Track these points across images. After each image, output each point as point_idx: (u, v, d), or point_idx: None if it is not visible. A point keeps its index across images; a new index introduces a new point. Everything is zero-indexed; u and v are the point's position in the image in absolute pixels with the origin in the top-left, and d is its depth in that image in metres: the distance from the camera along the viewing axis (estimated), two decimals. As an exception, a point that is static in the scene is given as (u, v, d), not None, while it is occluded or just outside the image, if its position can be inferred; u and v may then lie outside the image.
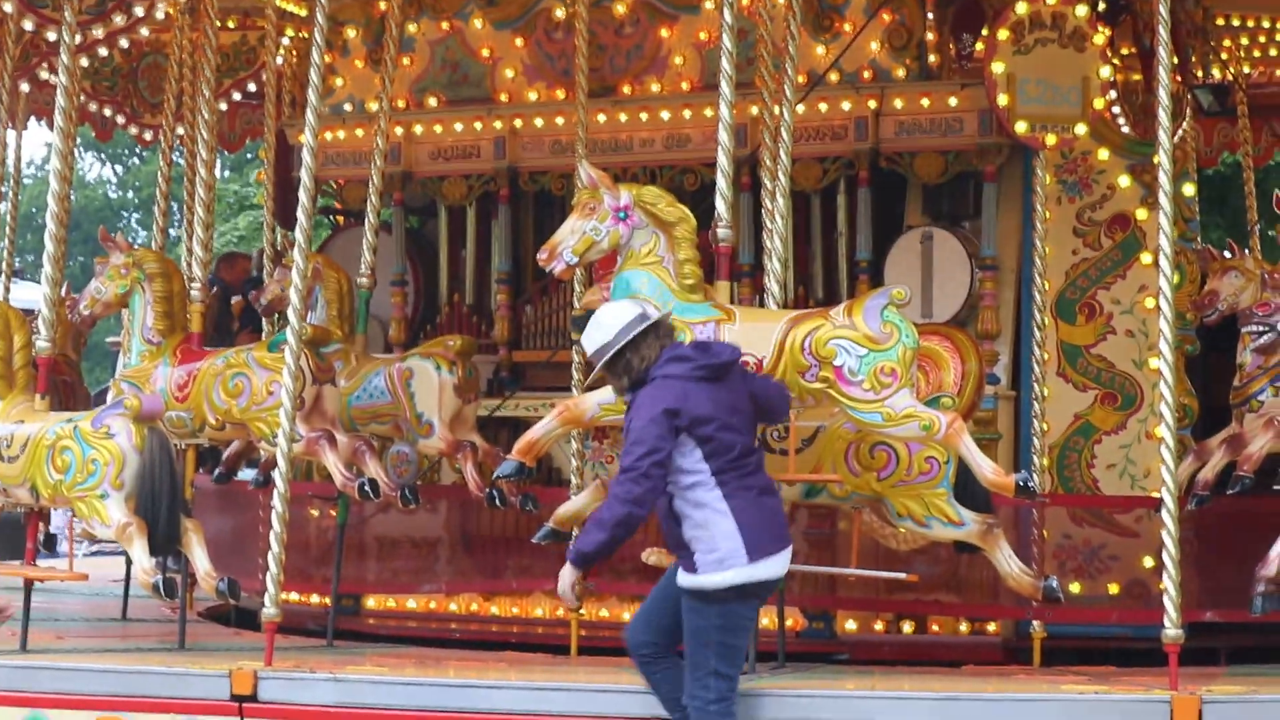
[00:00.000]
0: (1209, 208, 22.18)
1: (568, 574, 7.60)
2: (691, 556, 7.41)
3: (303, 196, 9.72)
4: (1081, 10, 10.98)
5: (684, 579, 7.44)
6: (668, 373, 7.50)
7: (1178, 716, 7.89)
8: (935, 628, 11.67)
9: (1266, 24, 15.94)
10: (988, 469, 8.55)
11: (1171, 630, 8.32)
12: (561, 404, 8.85)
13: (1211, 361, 12.00)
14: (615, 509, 7.33)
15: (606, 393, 8.43)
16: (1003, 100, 10.98)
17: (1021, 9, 10.98)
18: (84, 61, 11.75)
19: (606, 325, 7.66)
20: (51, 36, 10.64)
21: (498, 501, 10.99)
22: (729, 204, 9.25)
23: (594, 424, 9.14)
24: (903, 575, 10.02)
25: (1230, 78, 16.14)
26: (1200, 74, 15.10)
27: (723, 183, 9.28)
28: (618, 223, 8.73)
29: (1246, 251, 11.37)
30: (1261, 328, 10.28)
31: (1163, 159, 8.92)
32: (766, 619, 9.94)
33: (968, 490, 9.05)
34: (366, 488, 10.17)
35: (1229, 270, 10.82)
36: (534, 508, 10.99)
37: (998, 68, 10.96)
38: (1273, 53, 16.39)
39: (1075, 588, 10.95)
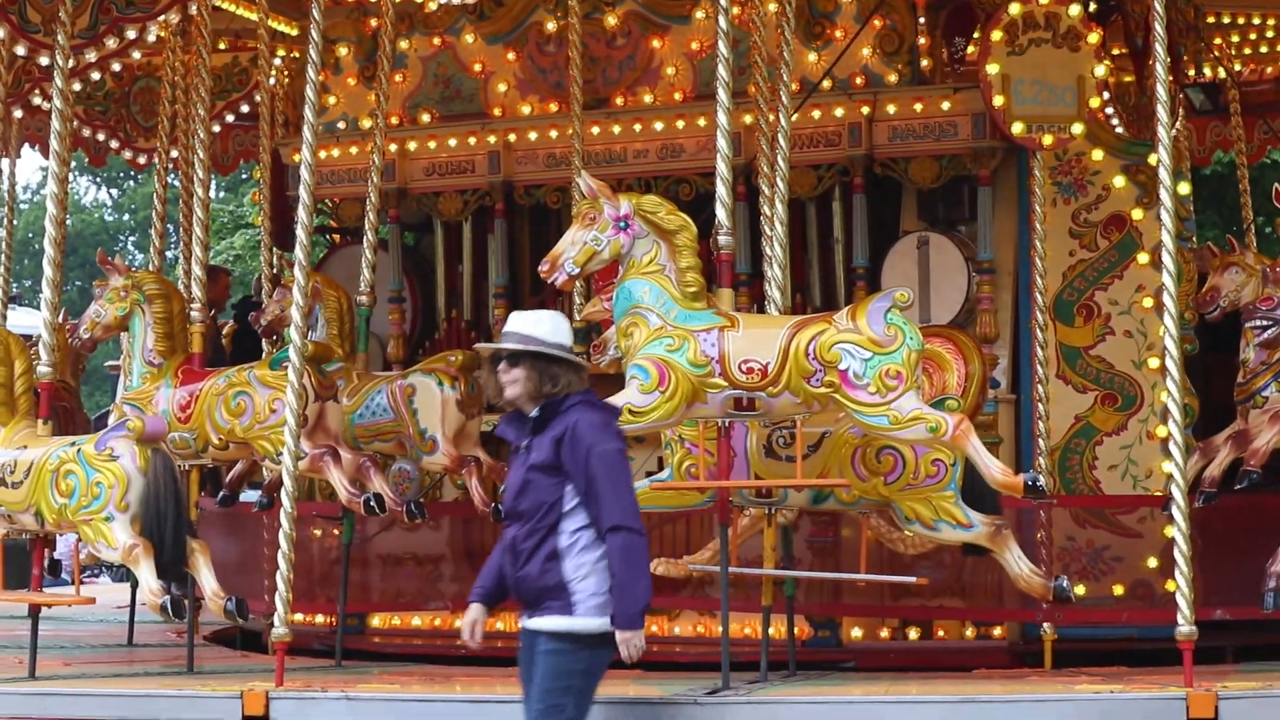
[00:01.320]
0: (1203, 207, 22.21)
1: (639, 638, 7.00)
2: (569, 598, 7.05)
3: (301, 215, 9.67)
4: (1075, 10, 10.96)
5: (556, 622, 7.06)
6: (602, 404, 7.23)
7: (1194, 713, 7.87)
8: (941, 633, 11.66)
9: (1257, 21, 15.97)
10: (996, 470, 8.53)
11: (1185, 627, 8.28)
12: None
13: (1210, 361, 11.98)
14: (640, 556, 6.97)
15: (619, 401, 8.39)
16: (998, 101, 10.95)
17: (1015, 10, 10.96)
18: (76, 86, 11.71)
19: (559, 327, 7.16)
20: (44, 61, 10.61)
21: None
22: (729, 210, 9.21)
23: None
24: (912, 579, 9.99)
25: (1222, 76, 16.16)
26: (1192, 73, 15.13)
27: (722, 189, 9.24)
28: (618, 232, 8.71)
29: (1245, 248, 11.36)
30: (1265, 322, 10.28)
31: (1163, 156, 8.90)
32: (773, 628, 9.94)
33: (975, 492, 9.02)
34: (372, 503, 10.16)
35: (1229, 266, 10.81)
36: (539, 522, 10.94)
37: (992, 69, 10.94)
38: (1263, 50, 16.43)
39: (1080, 589, 10.88)
